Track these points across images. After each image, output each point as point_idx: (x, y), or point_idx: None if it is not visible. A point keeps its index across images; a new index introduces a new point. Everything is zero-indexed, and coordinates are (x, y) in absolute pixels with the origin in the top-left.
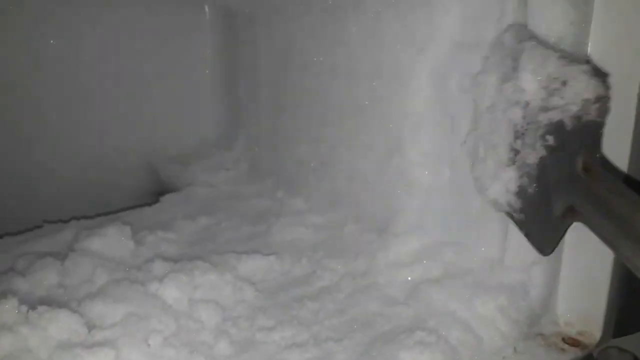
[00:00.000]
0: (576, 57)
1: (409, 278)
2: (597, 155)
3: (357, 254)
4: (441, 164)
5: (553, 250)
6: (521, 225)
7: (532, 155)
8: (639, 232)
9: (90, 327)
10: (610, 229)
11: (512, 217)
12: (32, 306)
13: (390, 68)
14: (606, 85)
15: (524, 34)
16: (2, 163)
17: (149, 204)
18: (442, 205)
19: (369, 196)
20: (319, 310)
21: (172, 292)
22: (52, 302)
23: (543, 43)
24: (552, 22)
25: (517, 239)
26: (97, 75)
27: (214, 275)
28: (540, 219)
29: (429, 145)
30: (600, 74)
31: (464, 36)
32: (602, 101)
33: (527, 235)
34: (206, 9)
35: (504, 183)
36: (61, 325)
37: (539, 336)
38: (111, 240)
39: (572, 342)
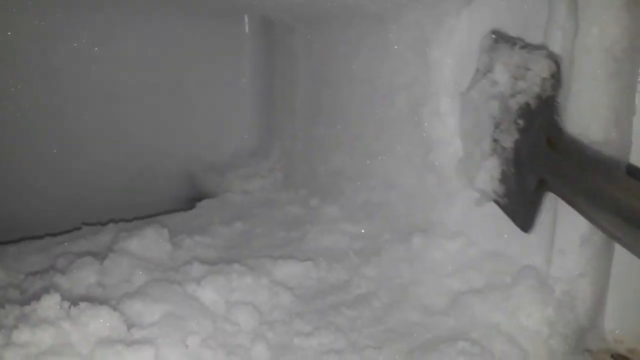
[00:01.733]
0: (536, 46)
1: (449, 288)
2: (557, 127)
3: (394, 263)
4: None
5: (533, 226)
6: (506, 209)
7: (508, 140)
8: (606, 202)
9: (130, 325)
10: (576, 197)
11: (498, 203)
12: (73, 303)
13: (432, 79)
14: (557, 64)
15: (499, 35)
16: (44, 168)
17: (186, 209)
18: (484, 215)
19: (407, 206)
20: (357, 318)
21: (209, 294)
22: (91, 300)
23: (512, 40)
24: (605, 27)
25: (563, 250)
26: (138, 84)
27: (250, 278)
28: (519, 198)
29: None
30: (553, 56)
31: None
32: (555, 77)
33: (511, 217)
34: (246, 19)
35: (489, 171)
36: (102, 322)
37: (586, 352)
38: (149, 242)
39: None
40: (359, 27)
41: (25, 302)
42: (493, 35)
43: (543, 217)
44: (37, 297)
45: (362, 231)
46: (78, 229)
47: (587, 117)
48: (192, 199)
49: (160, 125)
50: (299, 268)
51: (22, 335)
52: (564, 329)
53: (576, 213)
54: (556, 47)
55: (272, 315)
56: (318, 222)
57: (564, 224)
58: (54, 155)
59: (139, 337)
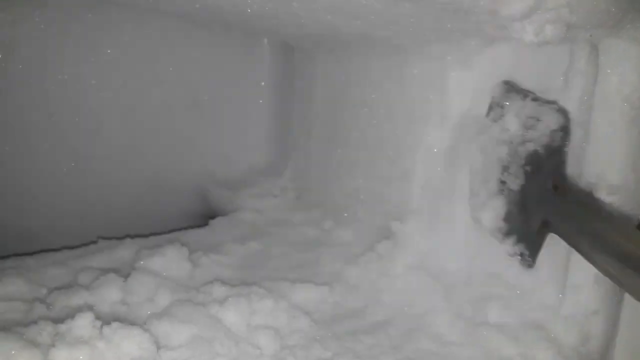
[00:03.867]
0: (547, 100)
1: (464, 319)
2: (564, 175)
3: (408, 290)
4: None
5: (535, 262)
6: (509, 246)
7: (515, 183)
8: (605, 243)
9: (158, 346)
10: (579, 239)
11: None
12: (105, 322)
13: (451, 114)
14: (567, 118)
15: (511, 86)
16: (62, 181)
17: (198, 226)
18: (499, 248)
19: (422, 233)
20: (374, 345)
21: (232, 316)
22: (117, 318)
23: (522, 91)
24: (624, 75)
25: (577, 286)
26: (155, 100)
27: (270, 301)
28: (523, 237)
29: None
30: (563, 110)
31: (529, 85)
32: (565, 130)
33: (513, 255)
34: (265, 41)
35: (494, 210)
36: (134, 342)
37: None
38: (171, 261)
39: None
40: (380, 57)
41: (54, 318)
42: (505, 85)
43: (556, 254)
44: (66, 313)
45: (376, 256)
46: (94, 242)
47: (604, 161)
48: (203, 216)
49: (175, 141)
50: (315, 292)
51: (60, 354)
52: None
53: None
54: (576, 93)
55: (292, 339)
56: (332, 245)
57: (578, 261)
58: (67, 170)
59: (168, 358)
